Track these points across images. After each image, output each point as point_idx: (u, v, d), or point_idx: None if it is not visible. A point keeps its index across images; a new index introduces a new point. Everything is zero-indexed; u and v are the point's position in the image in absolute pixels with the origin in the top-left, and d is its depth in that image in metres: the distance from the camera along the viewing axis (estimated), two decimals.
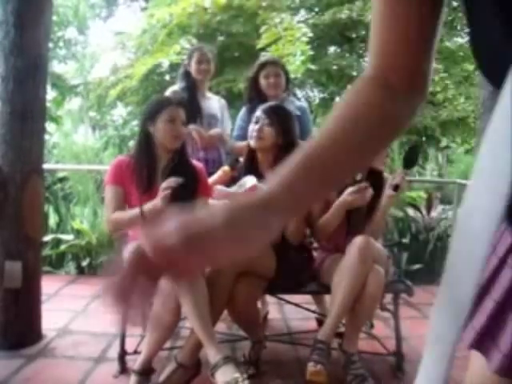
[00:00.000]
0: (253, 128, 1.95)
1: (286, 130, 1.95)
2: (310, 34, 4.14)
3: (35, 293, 2.20)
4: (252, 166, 1.99)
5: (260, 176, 1.94)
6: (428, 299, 3.07)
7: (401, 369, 1.98)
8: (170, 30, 4.80)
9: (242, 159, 2.09)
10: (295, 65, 3.88)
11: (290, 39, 4.09)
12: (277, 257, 1.86)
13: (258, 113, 1.98)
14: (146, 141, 1.89)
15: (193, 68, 2.65)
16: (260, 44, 4.21)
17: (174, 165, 1.87)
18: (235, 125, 2.68)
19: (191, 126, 2.37)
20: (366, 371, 1.79)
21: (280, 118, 1.96)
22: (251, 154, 2.01)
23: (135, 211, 1.75)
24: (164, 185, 1.71)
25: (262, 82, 2.52)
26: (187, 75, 2.69)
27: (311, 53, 3.96)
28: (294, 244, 1.94)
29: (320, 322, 2.39)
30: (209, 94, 2.79)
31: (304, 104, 2.72)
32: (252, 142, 1.96)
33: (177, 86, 2.73)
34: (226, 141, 2.68)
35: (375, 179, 1.94)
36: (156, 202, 1.70)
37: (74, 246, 3.55)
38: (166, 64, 4.43)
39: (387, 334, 2.31)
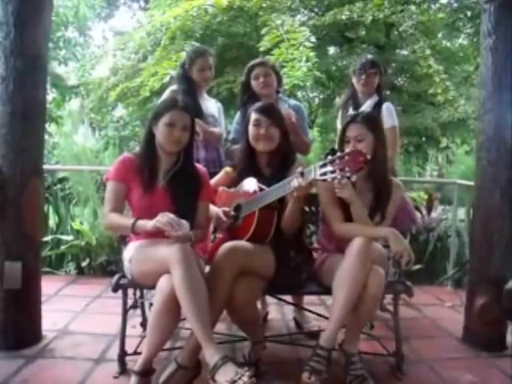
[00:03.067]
0: (257, 132, 1.96)
1: (285, 127, 2.03)
2: (313, 39, 4.13)
3: (35, 293, 2.20)
4: (252, 165, 2.01)
5: (260, 175, 1.95)
6: (428, 300, 3.08)
7: (401, 369, 1.98)
8: (173, 34, 4.77)
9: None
10: (301, 71, 3.86)
11: (293, 43, 4.08)
12: (276, 257, 1.86)
13: (255, 115, 1.98)
14: (149, 141, 1.89)
15: (194, 74, 2.62)
16: (262, 47, 4.20)
17: (178, 168, 1.87)
18: (231, 128, 2.69)
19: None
20: (366, 372, 1.79)
21: (278, 116, 2.02)
22: (251, 154, 2.01)
23: (128, 222, 1.74)
24: (168, 220, 1.64)
25: (253, 83, 2.54)
26: (187, 78, 2.64)
27: (316, 60, 3.95)
28: (289, 236, 1.93)
29: (297, 323, 2.43)
30: (206, 96, 2.78)
31: (298, 103, 2.73)
32: (260, 145, 1.97)
33: (175, 87, 2.71)
34: (222, 143, 2.68)
35: (380, 181, 1.93)
36: (148, 224, 1.67)
37: (73, 247, 3.55)
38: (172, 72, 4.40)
39: (387, 334, 2.31)
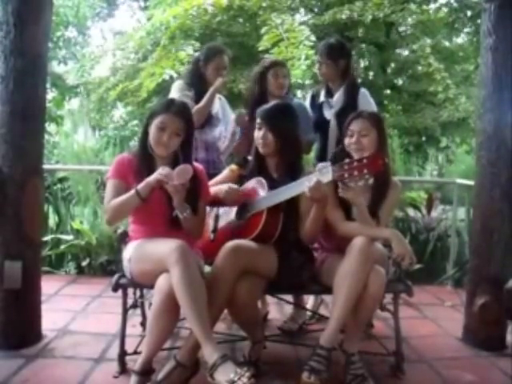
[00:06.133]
0: (257, 135, 1.95)
1: (283, 132, 1.93)
2: (313, 38, 4.12)
3: (35, 293, 2.20)
4: (260, 167, 2.00)
5: (268, 177, 1.95)
6: (428, 299, 3.08)
7: (401, 369, 1.98)
8: (172, 33, 4.77)
9: (250, 158, 2.09)
10: (300, 69, 3.86)
11: (293, 42, 4.08)
12: (279, 257, 1.86)
13: (258, 118, 1.97)
14: (144, 141, 1.88)
15: (209, 72, 2.54)
16: (262, 46, 4.19)
17: (175, 166, 1.86)
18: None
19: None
20: (366, 371, 1.79)
21: (278, 121, 1.93)
22: (259, 155, 2.00)
23: (130, 192, 1.76)
24: (165, 172, 1.72)
25: (271, 80, 2.49)
26: (199, 75, 2.55)
27: (315, 57, 3.95)
28: (308, 243, 1.95)
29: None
30: None
31: (301, 102, 2.72)
32: (260, 149, 1.96)
33: (182, 82, 2.60)
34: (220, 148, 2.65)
35: (381, 181, 1.93)
36: (149, 179, 1.73)
37: (73, 246, 3.55)
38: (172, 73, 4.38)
39: (387, 334, 2.32)
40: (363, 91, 2.53)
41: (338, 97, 2.51)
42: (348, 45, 2.75)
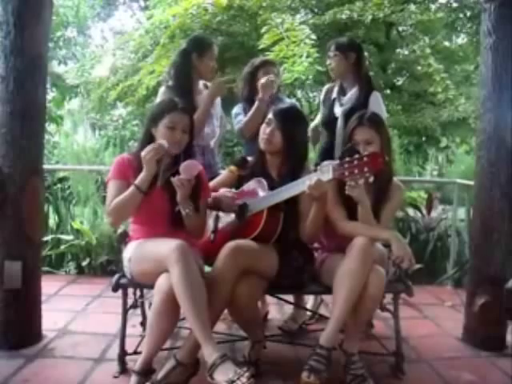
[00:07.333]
0: (264, 130, 1.95)
1: (292, 135, 1.92)
2: (314, 36, 4.12)
3: (35, 293, 2.20)
4: (261, 167, 1.99)
5: (268, 177, 1.94)
6: (428, 299, 3.08)
7: (401, 369, 1.98)
8: (172, 33, 4.77)
9: (250, 158, 2.08)
10: (303, 66, 3.86)
11: (293, 40, 4.08)
12: (279, 257, 1.86)
13: (270, 114, 1.96)
14: (147, 142, 1.88)
15: (205, 64, 2.45)
16: (262, 45, 4.19)
17: (175, 165, 1.86)
18: (234, 121, 2.62)
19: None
20: (366, 371, 1.79)
21: (290, 123, 1.92)
22: (261, 155, 2.00)
23: (130, 188, 1.78)
24: (148, 149, 1.77)
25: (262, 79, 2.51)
26: (192, 70, 2.45)
27: (317, 55, 3.94)
28: (308, 243, 1.96)
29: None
30: (201, 87, 2.58)
31: (293, 102, 2.72)
32: (261, 145, 1.95)
33: (166, 89, 2.46)
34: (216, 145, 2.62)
35: (382, 181, 1.93)
36: (143, 174, 1.77)
37: (73, 246, 3.55)
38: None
39: (387, 334, 2.32)
40: (376, 93, 2.45)
41: (350, 95, 2.45)
42: (358, 41, 2.75)
